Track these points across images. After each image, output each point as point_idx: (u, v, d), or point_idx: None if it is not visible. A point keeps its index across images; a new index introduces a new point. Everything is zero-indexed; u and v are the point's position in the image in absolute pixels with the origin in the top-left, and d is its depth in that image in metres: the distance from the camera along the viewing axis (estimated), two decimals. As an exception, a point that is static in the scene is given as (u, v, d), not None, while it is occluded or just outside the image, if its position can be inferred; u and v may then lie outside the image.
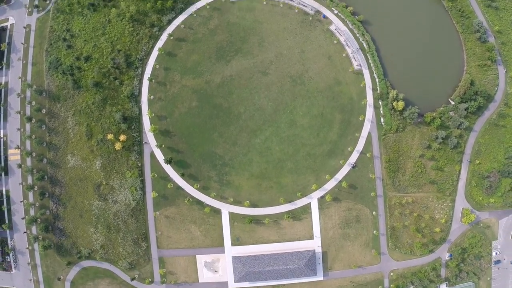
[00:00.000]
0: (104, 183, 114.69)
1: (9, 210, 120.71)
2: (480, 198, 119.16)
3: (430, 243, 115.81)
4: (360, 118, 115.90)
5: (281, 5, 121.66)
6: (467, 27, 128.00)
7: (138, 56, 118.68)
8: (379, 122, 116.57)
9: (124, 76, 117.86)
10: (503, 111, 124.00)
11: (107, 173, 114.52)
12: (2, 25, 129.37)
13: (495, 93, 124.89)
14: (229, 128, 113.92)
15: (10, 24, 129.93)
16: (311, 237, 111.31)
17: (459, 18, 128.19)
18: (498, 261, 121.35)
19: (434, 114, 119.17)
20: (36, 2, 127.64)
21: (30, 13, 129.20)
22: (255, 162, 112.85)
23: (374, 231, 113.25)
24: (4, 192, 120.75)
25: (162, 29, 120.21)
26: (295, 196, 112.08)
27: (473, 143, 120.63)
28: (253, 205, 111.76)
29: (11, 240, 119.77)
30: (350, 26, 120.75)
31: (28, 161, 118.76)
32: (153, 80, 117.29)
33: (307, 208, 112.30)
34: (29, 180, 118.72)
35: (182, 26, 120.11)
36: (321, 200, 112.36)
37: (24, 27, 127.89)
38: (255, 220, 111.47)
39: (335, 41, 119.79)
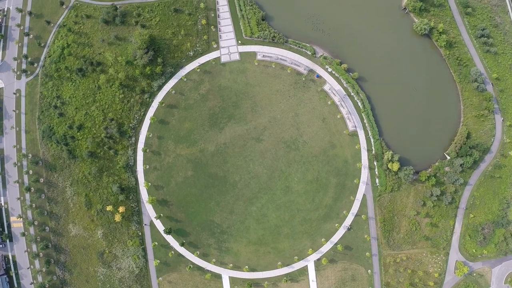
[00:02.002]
0: (107, 251, 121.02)
1: (17, 274, 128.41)
2: (474, 250, 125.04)
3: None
4: (355, 181, 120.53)
5: (273, 66, 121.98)
6: (464, 76, 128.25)
7: (130, 125, 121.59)
8: (374, 183, 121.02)
9: (118, 145, 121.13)
10: (499, 162, 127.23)
11: (109, 242, 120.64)
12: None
13: (491, 144, 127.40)
14: (226, 197, 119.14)
15: (0, 88, 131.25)
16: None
17: (457, 67, 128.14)
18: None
19: (430, 170, 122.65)
20: (24, 67, 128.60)
21: (19, 77, 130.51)
22: (252, 229, 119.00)
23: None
24: (10, 258, 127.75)
25: (152, 95, 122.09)
26: (292, 260, 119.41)
27: (468, 196, 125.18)
28: (252, 269, 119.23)
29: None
30: (345, 85, 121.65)
31: (31, 230, 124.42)
32: (148, 150, 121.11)
33: (304, 270, 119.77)
34: (34, 248, 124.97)
35: (173, 91, 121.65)
36: (317, 262, 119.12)
37: (14, 93, 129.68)
38: (255, 284, 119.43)
39: (329, 102, 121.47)
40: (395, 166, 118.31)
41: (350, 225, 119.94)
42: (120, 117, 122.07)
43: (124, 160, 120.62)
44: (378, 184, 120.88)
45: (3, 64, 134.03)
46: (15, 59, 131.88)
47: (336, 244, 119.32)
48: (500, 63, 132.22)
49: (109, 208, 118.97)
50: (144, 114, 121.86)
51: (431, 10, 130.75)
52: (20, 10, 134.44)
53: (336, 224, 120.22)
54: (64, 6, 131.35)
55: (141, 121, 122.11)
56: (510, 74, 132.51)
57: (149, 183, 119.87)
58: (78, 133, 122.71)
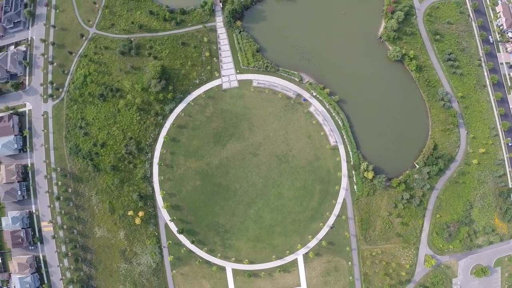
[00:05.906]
0: (128, 249, 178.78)
1: (47, 272, 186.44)
2: (441, 245, 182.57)
3: (397, 284, 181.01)
4: (336, 188, 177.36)
5: (266, 91, 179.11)
6: (432, 95, 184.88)
7: (147, 143, 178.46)
8: (352, 189, 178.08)
9: (137, 160, 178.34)
10: (463, 169, 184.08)
11: (130, 241, 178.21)
12: (20, 110, 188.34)
13: (456, 154, 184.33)
14: (228, 202, 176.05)
15: (28, 110, 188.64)
16: (298, 285, 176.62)
17: (426, 88, 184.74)
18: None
19: (401, 178, 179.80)
20: (50, 91, 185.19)
21: (45, 100, 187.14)
22: (250, 228, 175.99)
23: (350, 278, 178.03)
24: (41, 258, 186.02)
25: (165, 117, 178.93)
26: (284, 254, 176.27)
27: (435, 199, 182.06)
28: (251, 262, 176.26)
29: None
30: (327, 107, 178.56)
31: (61, 233, 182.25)
32: (162, 164, 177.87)
33: (294, 262, 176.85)
34: (63, 248, 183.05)
35: (182, 114, 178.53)
36: (305, 255, 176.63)
37: (42, 115, 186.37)
38: (253, 274, 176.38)
39: (314, 122, 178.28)
40: (370, 175, 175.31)
41: (332, 224, 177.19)
42: (137, 136, 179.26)
43: (142, 173, 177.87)
44: (356, 190, 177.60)
45: (30, 88, 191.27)
46: (41, 84, 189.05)
47: (321, 240, 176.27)
48: (465, 83, 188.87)
49: (130, 213, 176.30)
50: (158, 134, 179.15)
51: (403, 38, 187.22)
52: (43, 41, 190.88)
53: (321, 224, 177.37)
54: (84, 38, 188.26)
55: (156, 139, 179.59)
56: (474, 92, 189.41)
57: (164, 192, 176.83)
58: (102, 150, 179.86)
